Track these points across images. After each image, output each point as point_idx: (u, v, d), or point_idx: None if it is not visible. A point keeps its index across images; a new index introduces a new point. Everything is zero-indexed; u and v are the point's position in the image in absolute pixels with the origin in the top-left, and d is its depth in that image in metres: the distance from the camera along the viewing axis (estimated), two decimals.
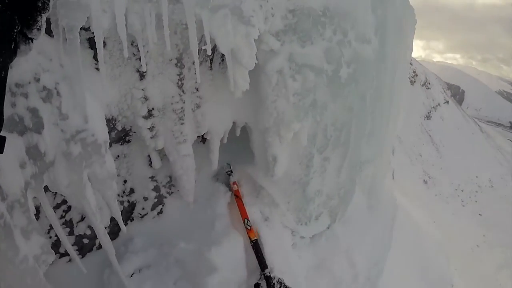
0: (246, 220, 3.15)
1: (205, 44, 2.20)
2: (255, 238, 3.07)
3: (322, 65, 2.94)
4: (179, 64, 2.36)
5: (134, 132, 2.50)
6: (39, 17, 1.19)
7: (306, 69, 2.88)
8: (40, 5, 1.17)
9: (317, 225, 3.76)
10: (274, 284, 2.88)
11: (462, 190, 13.21)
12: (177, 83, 2.43)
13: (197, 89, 2.58)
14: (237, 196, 3.27)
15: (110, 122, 2.27)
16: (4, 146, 1.11)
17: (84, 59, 1.91)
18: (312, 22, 2.85)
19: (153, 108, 2.40)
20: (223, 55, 2.40)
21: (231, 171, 3.44)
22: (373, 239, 4.15)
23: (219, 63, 2.72)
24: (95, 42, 1.73)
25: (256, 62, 2.51)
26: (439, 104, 18.52)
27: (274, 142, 3.05)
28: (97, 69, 1.98)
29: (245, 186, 3.43)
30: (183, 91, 2.49)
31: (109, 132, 2.13)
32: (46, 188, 1.80)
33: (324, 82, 2.99)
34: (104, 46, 1.91)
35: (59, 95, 1.79)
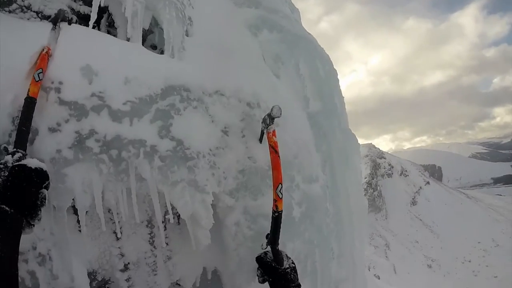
0: (280, 186, 2.89)
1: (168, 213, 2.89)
2: (281, 210, 2.89)
3: None
4: (149, 225, 3.08)
5: (113, 282, 2.99)
6: (39, 211, 2.01)
7: (260, 218, 3.45)
8: (39, 203, 2.01)
9: None
10: (282, 257, 2.79)
11: (470, 261, 11.77)
12: (149, 241, 3.09)
13: (167, 244, 3.20)
14: (274, 150, 2.99)
15: (91, 274, 2.81)
16: None
17: (69, 223, 2.55)
18: (260, 177, 3.54)
19: (128, 263, 2.99)
20: None
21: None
22: None
23: None
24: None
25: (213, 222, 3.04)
26: (421, 187, 18.19)
27: (243, 285, 3.40)
28: (80, 231, 2.64)
29: None
30: (154, 247, 3.12)
31: (90, 283, 2.70)
32: None
33: None
34: (86, 213, 2.59)
35: (51, 259, 2.47)
